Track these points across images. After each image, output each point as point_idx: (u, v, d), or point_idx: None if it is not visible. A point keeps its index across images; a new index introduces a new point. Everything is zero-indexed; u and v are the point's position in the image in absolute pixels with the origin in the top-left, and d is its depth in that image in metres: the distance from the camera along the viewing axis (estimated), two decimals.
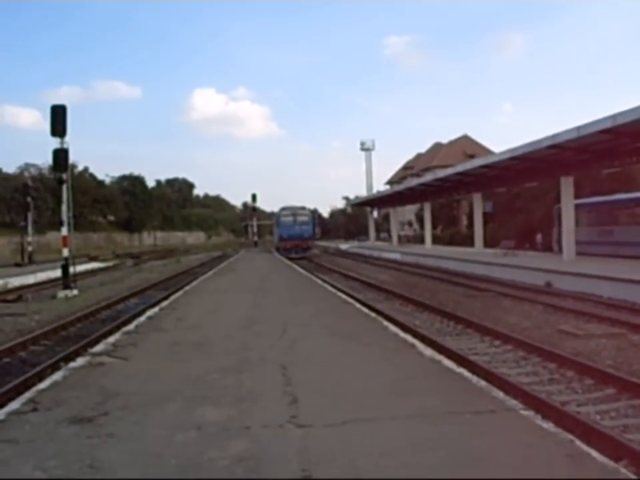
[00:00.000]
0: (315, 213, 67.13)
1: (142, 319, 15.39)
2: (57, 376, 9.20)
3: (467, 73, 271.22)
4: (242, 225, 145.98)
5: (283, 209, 64.00)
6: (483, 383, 8.27)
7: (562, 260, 31.02)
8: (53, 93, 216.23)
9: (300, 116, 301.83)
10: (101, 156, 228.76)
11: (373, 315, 15.08)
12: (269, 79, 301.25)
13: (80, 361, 10.28)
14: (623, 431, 8.03)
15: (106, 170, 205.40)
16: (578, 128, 23.61)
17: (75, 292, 27.29)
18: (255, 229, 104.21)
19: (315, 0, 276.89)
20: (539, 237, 47.44)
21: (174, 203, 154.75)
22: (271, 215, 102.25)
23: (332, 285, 25.34)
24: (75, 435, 6.34)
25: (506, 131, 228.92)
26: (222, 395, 7.72)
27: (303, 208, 64.26)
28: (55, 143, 26.06)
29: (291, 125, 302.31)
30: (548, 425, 6.46)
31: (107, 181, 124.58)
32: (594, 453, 5.67)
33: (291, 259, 48.59)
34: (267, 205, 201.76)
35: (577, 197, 33.43)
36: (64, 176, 27.08)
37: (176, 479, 5.19)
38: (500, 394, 7.66)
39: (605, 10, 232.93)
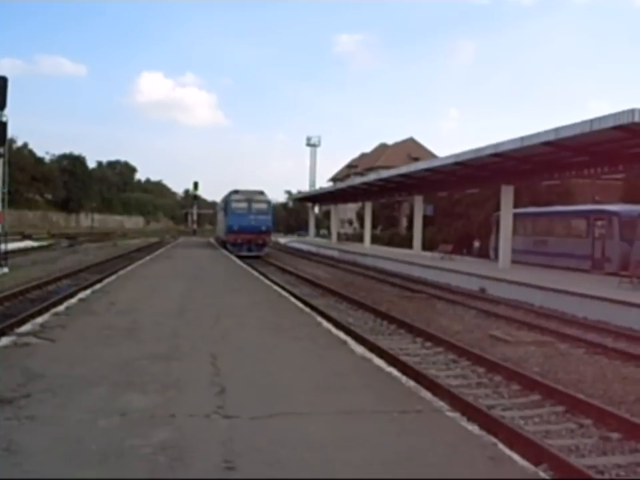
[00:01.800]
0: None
1: (73, 300, 15.12)
2: None
3: (416, 75, 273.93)
4: (182, 212, 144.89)
5: (235, 192, 48.01)
6: (411, 383, 8.33)
7: (497, 267, 31.48)
8: None
9: (247, 106, 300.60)
10: (42, 133, 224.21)
11: (308, 310, 15.08)
12: (218, 66, 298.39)
13: (4, 341, 10.04)
14: (544, 436, 8.17)
15: (46, 147, 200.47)
16: (521, 138, 23.95)
17: (5, 270, 26.63)
18: (195, 217, 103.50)
19: None
20: (476, 243, 48.03)
21: (114, 186, 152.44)
22: (213, 204, 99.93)
23: (268, 278, 25.26)
24: None
25: (451, 137, 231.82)
26: (149, 382, 7.61)
27: (261, 193, 48.33)
28: None
29: (237, 115, 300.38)
30: (472, 427, 6.54)
31: (47, 158, 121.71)
32: (515, 457, 5.76)
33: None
34: (209, 194, 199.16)
35: (515, 206, 33.97)
36: (1, 150, 26.38)
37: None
38: (428, 395, 7.73)
39: (552, 25, 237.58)
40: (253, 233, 44.86)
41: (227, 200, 49.16)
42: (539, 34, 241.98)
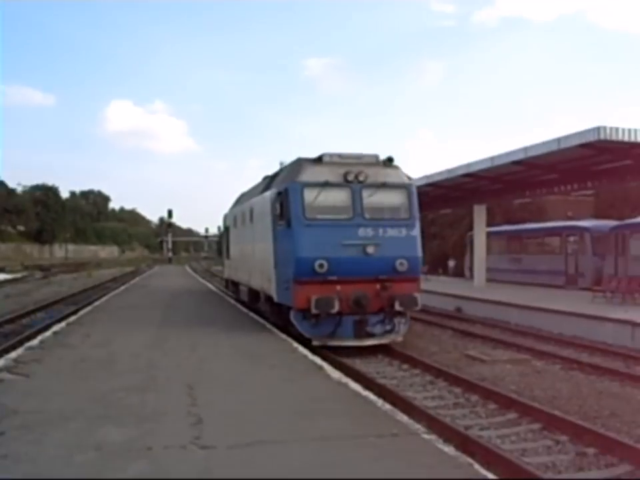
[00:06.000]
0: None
1: (47, 334, 14.99)
2: None
3: (384, 97, 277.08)
4: (157, 240, 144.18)
5: (312, 160, 15.76)
6: (387, 406, 8.36)
7: (473, 286, 31.65)
8: None
9: (218, 132, 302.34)
10: (13, 164, 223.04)
11: (283, 336, 15.05)
12: (187, 93, 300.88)
13: None
14: (521, 454, 8.22)
15: (18, 179, 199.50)
16: (492, 158, 24.16)
17: None
18: (170, 245, 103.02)
19: (236, 19, 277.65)
20: (451, 263, 48.30)
21: (88, 216, 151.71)
22: (188, 232, 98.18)
23: (246, 305, 25.12)
24: None
25: (421, 157, 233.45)
26: (125, 415, 7.58)
27: (387, 162, 15.98)
28: None
29: (208, 141, 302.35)
30: (449, 449, 6.58)
31: (19, 190, 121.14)
32: (490, 476, 5.81)
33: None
34: (183, 221, 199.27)
35: (489, 224, 34.24)
36: None
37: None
38: (404, 417, 7.77)
39: (516, 44, 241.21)
40: (369, 278, 14.98)
41: (285, 187, 15.55)
42: (505, 53, 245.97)
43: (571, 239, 31.85)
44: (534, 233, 36.12)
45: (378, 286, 14.97)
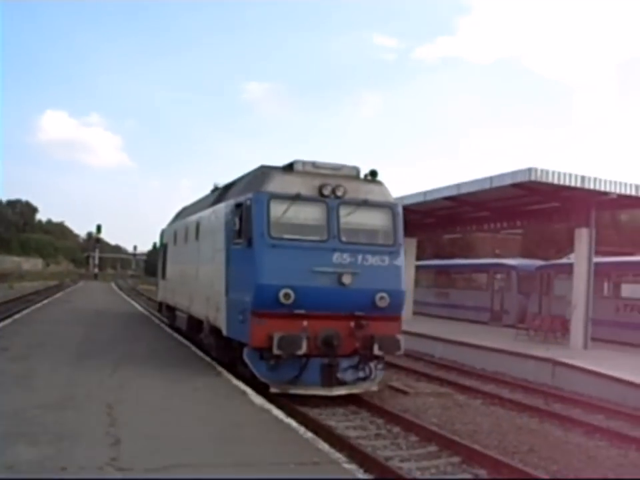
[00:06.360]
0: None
1: None
2: None
3: (322, 124, 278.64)
4: (84, 255, 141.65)
5: (281, 169, 13.47)
6: (309, 434, 8.32)
7: None
8: None
9: (152, 149, 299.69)
10: None
11: (208, 359, 14.88)
12: (124, 108, 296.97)
13: None
14: None
15: None
16: (425, 193, 24.45)
17: None
18: (97, 261, 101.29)
19: (179, 38, 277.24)
20: None
21: (13, 226, 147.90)
22: (116, 248, 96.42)
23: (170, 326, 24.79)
24: None
25: None
26: (41, 433, 7.36)
27: (364, 175, 13.64)
28: None
29: (142, 158, 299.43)
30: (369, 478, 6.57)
31: None
32: None
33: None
34: (112, 237, 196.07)
35: (418, 258, 34.60)
36: None
37: None
38: (326, 446, 7.74)
39: (454, 80, 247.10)
40: (342, 314, 12.50)
41: (247, 198, 12.95)
42: (443, 89, 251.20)
43: (498, 276, 32.44)
44: (462, 269, 36.69)
45: (352, 323, 12.39)
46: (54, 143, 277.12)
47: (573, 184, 18.49)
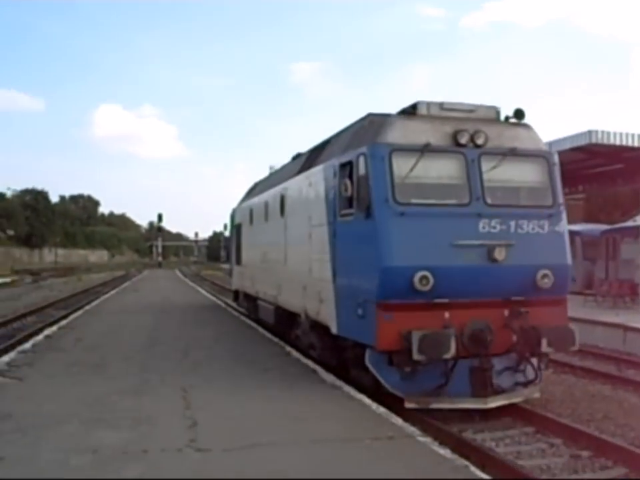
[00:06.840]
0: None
1: (39, 337, 14.93)
2: None
3: (375, 100, 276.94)
4: (147, 245, 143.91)
5: (382, 116, 10.40)
6: (382, 409, 8.35)
7: None
8: None
9: (207, 137, 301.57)
10: (2, 168, 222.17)
11: (276, 339, 15.01)
12: (176, 98, 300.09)
13: None
14: (516, 457, 8.21)
15: (7, 183, 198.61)
16: None
17: None
18: (160, 250, 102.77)
19: (227, 24, 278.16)
20: None
21: (77, 220, 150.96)
22: (178, 236, 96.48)
23: (236, 309, 25.03)
24: None
25: None
26: (120, 418, 7.56)
27: (499, 115, 10.56)
28: None
29: (197, 146, 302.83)
30: (445, 451, 6.58)
31: (8, 194, 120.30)
32: (484, 476, 5.84)
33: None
34: (173, 225, 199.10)
35: None
36: None
37: None
38: (399, 420, 7.77)
39: (506, 47, 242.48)
40: (494, 300, 9.68)
41: (359, 154, 9.93)
42: (492, 57, 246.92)
43: None
44: None
45: (506, 312, 9.65)
46: (110, 137, 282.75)
47: (636, 144, 18.07)
